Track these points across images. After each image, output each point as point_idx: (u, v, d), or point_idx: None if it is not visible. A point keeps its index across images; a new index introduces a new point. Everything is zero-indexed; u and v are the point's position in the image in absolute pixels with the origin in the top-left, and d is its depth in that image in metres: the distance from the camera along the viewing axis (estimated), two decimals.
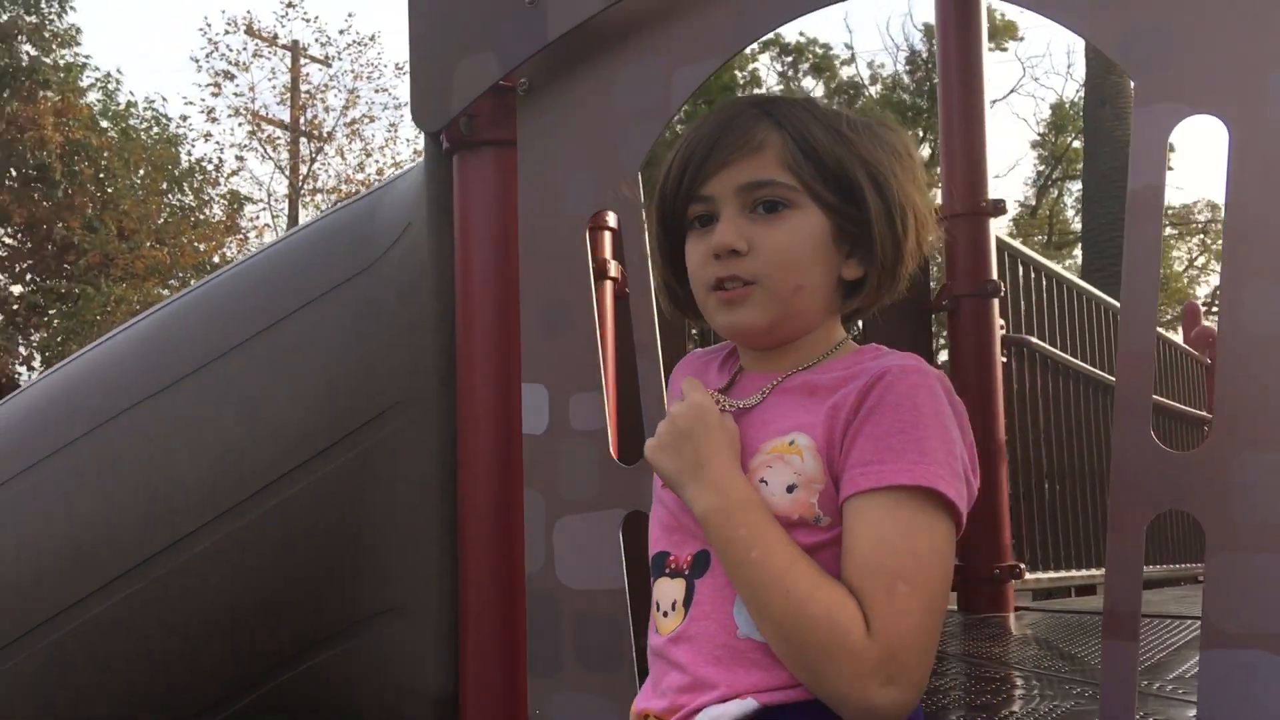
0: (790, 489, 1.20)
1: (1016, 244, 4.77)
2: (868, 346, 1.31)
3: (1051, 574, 4.81)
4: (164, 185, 24.41)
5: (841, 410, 1.20)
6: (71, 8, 22.24)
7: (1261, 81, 1.58)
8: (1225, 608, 1.56)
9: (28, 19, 22.46)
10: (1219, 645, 1.57)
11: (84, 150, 22.78)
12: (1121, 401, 1.65)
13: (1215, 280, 30.67)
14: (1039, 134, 28.16)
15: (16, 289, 23.74)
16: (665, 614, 1.28)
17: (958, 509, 1.17)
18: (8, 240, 24.50)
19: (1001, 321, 4.39)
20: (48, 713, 2.39)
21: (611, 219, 2.34)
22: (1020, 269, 4.70)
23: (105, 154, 23.33)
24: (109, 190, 23.38)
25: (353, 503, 2.43)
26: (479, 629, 2.24)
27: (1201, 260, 32.82)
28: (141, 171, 24.16)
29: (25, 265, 24.30)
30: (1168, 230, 31.73)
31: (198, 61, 25.09)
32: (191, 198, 24.46)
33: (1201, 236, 32.78)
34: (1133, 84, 1.66)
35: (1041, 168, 28.02)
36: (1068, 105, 26.66)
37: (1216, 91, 1.61)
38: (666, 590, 1.29)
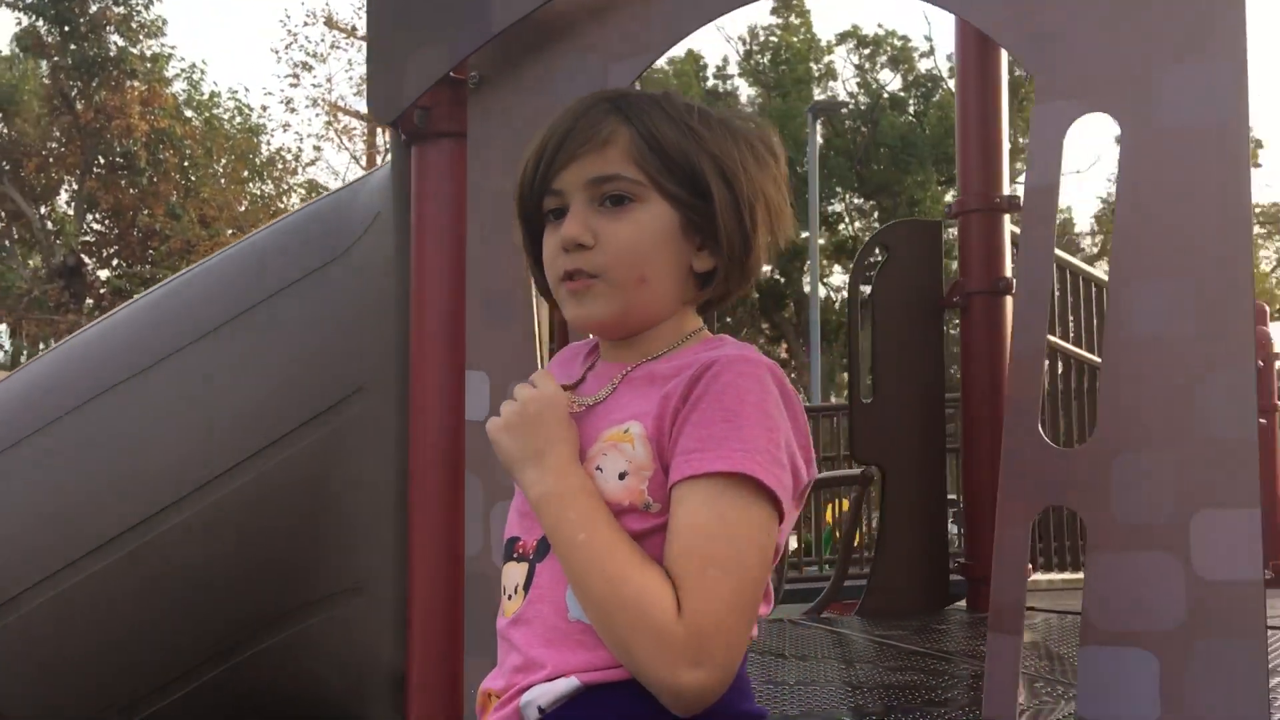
0: (622, 476, 1.23)
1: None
2: (714, 338, 1.34)
3: (1066, 575, 4.77)
4: (245, 174, 24.97)
5: (671, 399, 1.22)
6: None
7: (1151, 82, 1.58)
8: (1103, 605, 1.57)
9: (116, 9, 23.10)
10: (1096, 642, 1.58)
11: (168, 139, 23.38)
12: (1011, 400, 1.67)
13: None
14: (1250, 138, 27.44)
15: (103, 273, 24.47)
16: (509, 597, 1.33)
17: (778, 497, 1.19)
18: (95, 226, 25.27)
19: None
20: (23, 678, 2.51)
21: None
22: None
23: (189, 143, 23.92)
24: (192, 179, 23.97)
25: (317, 483, 2.52)
26: (425, 609, 2.31)
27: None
28: (224, 161, 24.74)
29: (111, 250, 25.05)
30: (1257, 229, 30.82)
31: (277, 53, 25.63)
32: (271, 187, 24.98)
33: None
34: (1034, 82, 1.67)
35: None
36: None
37: (1110, 90, 1.61)
38: (511, 574, 1.33)
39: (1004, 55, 4.34)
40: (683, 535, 1.16)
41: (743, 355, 1.22)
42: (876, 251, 4.64)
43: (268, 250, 2.76)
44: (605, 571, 1.17)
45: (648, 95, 1.34)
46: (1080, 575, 4.94)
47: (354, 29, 23.42)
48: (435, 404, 2.32)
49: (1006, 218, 4.28)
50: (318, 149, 25.45)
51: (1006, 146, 4.34)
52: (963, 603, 4.37)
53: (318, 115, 23.62)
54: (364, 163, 23.47)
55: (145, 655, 2.54)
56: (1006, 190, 4.30)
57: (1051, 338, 4.67)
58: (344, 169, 28.57)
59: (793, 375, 25.78)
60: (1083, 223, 28.16)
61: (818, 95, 23.25)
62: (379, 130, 23.57)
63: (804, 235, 20.71)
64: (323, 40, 23.38)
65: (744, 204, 1.29)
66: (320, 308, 2.57)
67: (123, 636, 2.52)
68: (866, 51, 25.33)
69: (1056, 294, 4.82)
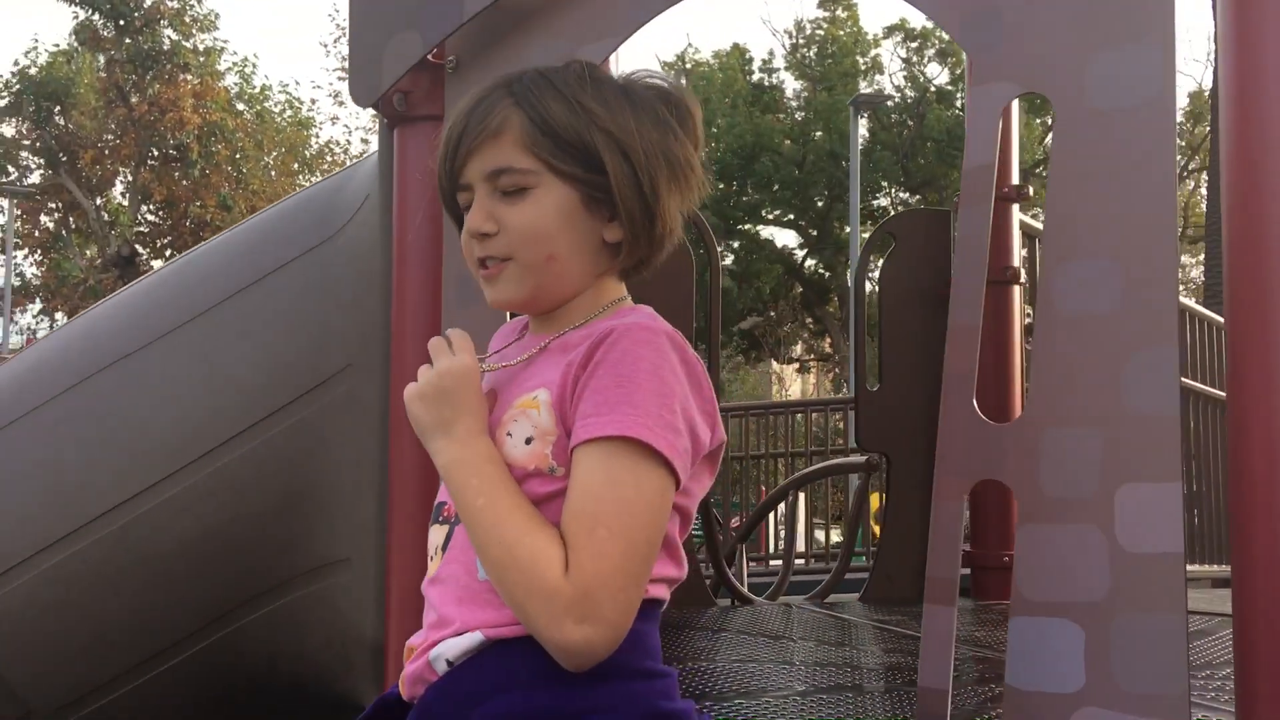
0: (528, 441, 1.29)
1: (1041, 227, 4.70)
2: (629, 307, 1.38)
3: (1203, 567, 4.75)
4: (295, 166, 25.29)
5: (573, 367, 1.27)
6: None
7: (1084, 64, 1.60)
8: (1031, 577, 1.60)
9: (170, 4, 23.50)
10: (1025, 613, 1.60)
11: (220, 132, 23.75)
12: (949, 374, 1.69)
13: None
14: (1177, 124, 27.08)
15: (157, 263, 24.90)
16: (432, 558, 1.39)
17: (670, 461, 1.22)
18: (149, 217, 25.73)
19: (1028, 310, 4.35)
20: (20, 649, 2.60)
21: None
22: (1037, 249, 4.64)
23: (240, 135, 24.28)
24: (243, 171, 24.33)
25: (306, 458, 2.59)
26: (401, 581, 2.37)
27: None
28: (274, 153, 25.08)
29: (165, 241, 25.49)
30: None
31: (326, 47, 25.87)
32: (320, 178, 25.29)
33: None
34: (970, 63, 1.69)
35: (1178, 158, 26.98)
36: (1207, 94, 25.63)
37: (1045, 71, 1.64)
38: (434, 536, 1.39)
39: None
40: (575, 497, 1.22)
41: (641, 323, 1.27)
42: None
43: (264, 232, 2.84)
44: (502, 534, 1.22)
45: (541, 73, 1.37)
46: None
47: None
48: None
49: (1015, 207, 4.28)
50: (365, 141, 25.64)
51: (1016, 136, 4.33)
52: (963, 592, 4.38)
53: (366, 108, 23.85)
54: None
55: (139, 626, 2.62)
56: (1015, 180, 4.30)
57: None
58: None
59: (836, 370, 25.69)
60: None
61: (864, 89, 23.12)
62: None
63: (848, 230, 20.64)
64: None
65: (642, 173, 1.32)
66: (310, 288, 2.64)
67: (117, 608, 2.60)
68: (914, 45, 25.14)
69: None
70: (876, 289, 4.43)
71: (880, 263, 4.78)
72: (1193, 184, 27.24)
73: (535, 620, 1.19)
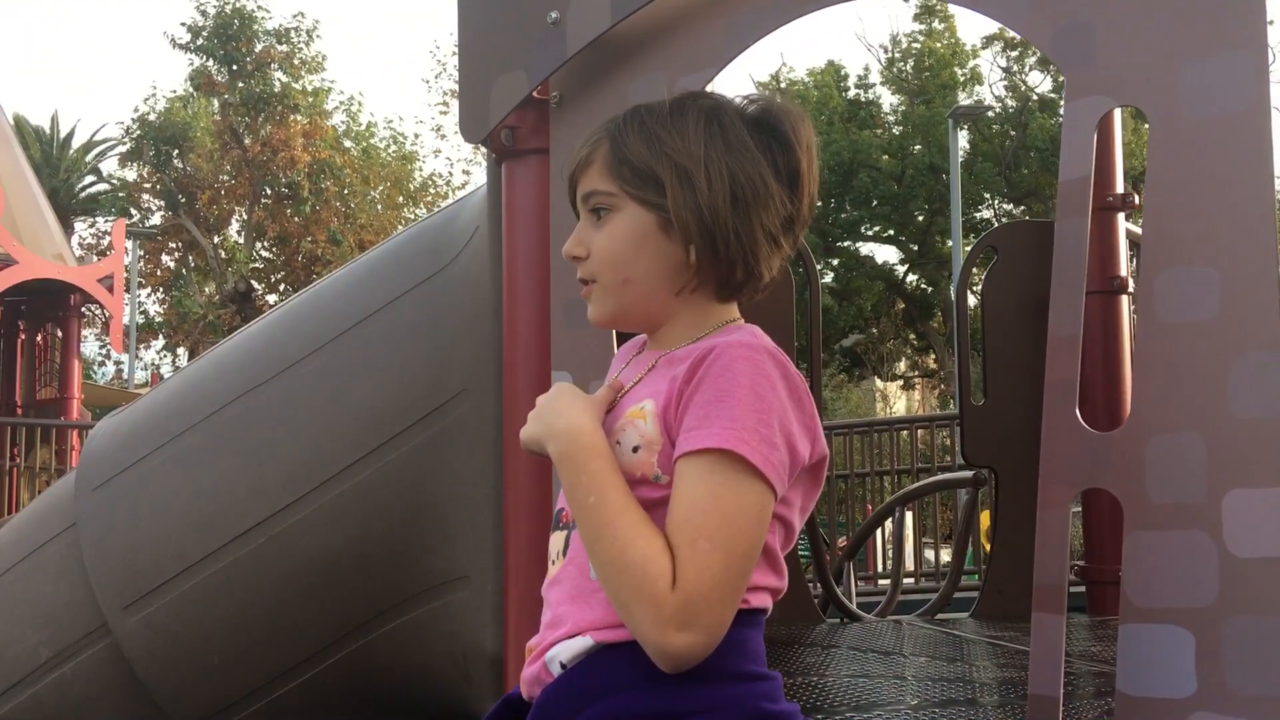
0: (635, 449, 1.36)
1: None
2: (733, 325, 1.44)
3: None
4: (400, 200, 25.88)
5: (678, 381, 1.35)
6: (318, 36, 23.95)
7: (1177, 74, 1.62)
8: (1140, 584, 1.62)
9: (279, 48, 24.29)
10: (1135, 620, 1.62)
11: (329, 169, 24.44)
12: (1051, 384, 1.72)
13: None
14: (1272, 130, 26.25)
15: (272, 298, 25.67)
16: (553, 562, 1.46)
17: (765, 475, 1.28)
18: (263, 253, 26.55)
19: (1135, 318, 4.29)
20: (166, 663, 2.75)
21: None
22: None
23: (348, 172, 24.95)
24: (351, 205, 24.99)
25: (426, 480, 2.70)
26: (519, 596, 2.46)
27: None
28: (380, 188, 25.70)
29: (278, 276, 26.27)
30: None
31: (428, 82, 26.47)
32: (424, 210, 25.84)
33: None
34: (1065, 79, 1.73)
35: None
36: None
37: (1139, 83, 1.66)
38: (554, 542, 1.47)
39: None
40: (679, 508, 1.28)
41: (743, 340, 1.34)
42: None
43: (381, 265, 2.97)
44: (613, 535, 1.29)
45: (637, 109, 1.47)
46: None
47: None
48: (526, 405, 2.44)
49: (1121, 216, 4.23)
50: (466, 173, 26.11)
51: (1120, 144, 4.29)
52: (1080, 607, 4.32)
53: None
54: None
55: (276, 640, 2.76)
56: (1120, 188, 4.25)
57: None
58: None
59: (942, 385, 25.33)
60: None
61: (963, 100, 22.86)
62: None
63: (949, 244, 20.38)
64: None
65: (700, 196, 1.38)
66: (427, 317, 2.76)
67: (253, 624, 2.74)
68: (1014, 54, 24.78)
69: None
70: (979, 303, 4.41)
71: (983, 276, 4.77)
72: None
73: (639, 624, 1.26)
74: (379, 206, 25.47)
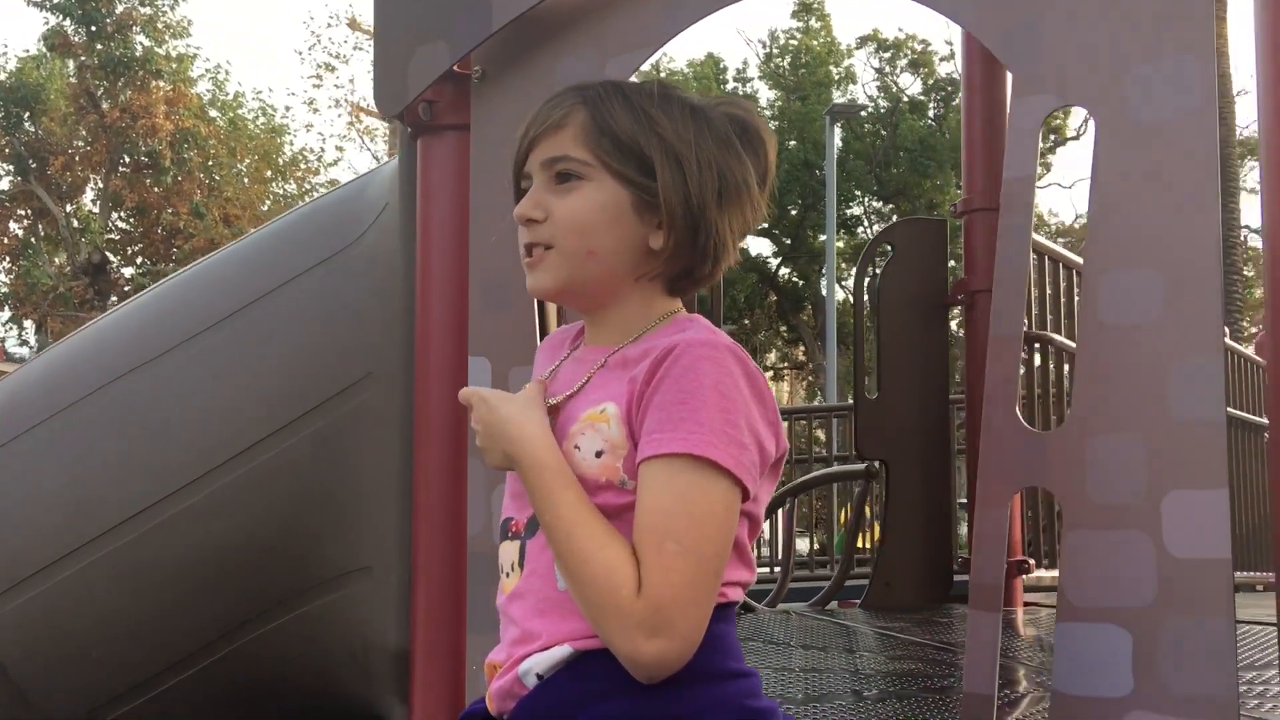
0: (599, 454, 1.30)
1: (1040, 238, 4.75)
2: (684, 318, 1.39)
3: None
4: (268, 174, 25.15)
5: (637, 382, 1.29)
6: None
7: (1125, 76, 1.63)
8: (1078, 583, 1.62)
9: (142, 10, 23.33)
10: (1073, 619, 1.62)
11: (193, 139, 23.60)
12: (991, 381, 1.72)
13: None
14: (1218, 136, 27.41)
15: (128, 271, 24.70)
16: (506, 574, 1.40)
17: (737, 475, 1.24)
18: (120, 224, 25.51)
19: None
20: (40, 657, 2.59)
21: None
22: (1045, 264, 4.68)
23: (213, 143, 24.13)
24: (215, 178, 24.18)
25: (326, 467, 2.58)
26: (428, 588, 2.37)
27: None
28: (247, 160, 24.93)
29: (136, 248, 25.29)
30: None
31: (300, 54, 25.79)
32: (294, 186, 25.18)
33: None
34: (1010, 76, 1.72)
35: None
36: None
37: (1085, 84, 1.66)
38: (506, 553, 1.40)
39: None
40: (645, 513, 1.23)
41: (703, 339, 1.28)
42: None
43: (280, 240, 2.84)
44: (573, 548, 1.24)
45: (614, 84, 1.41)
46: None
47: None
48: (439, 390, 2.38)
49: None
50: (340, 149, 25.52)
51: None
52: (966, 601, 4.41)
53: (340, 116, 23.75)
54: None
55: (158, 635, 2.61)
56: None
57: (1057, 335, 4.70)
58: (366, 169, 28.79)
59: (810, 378, 25.77)
60: None
61: (838, 98, 23.25)
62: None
63: (822, 238, 20.71)
64: (345, 42, 23.48)
65: (691, 183, 1.34)
66: (330, 296, 2.64)
67: (136, 617, 2.59)
68: (887, 55, 25.31)
69: (1058, 294, 4.85)
70: (874, 298, 4.46)
71: (855, 272, 4.81)
72: None
73: (609, 634, 1.21)
74: (245, 180, 24.69)
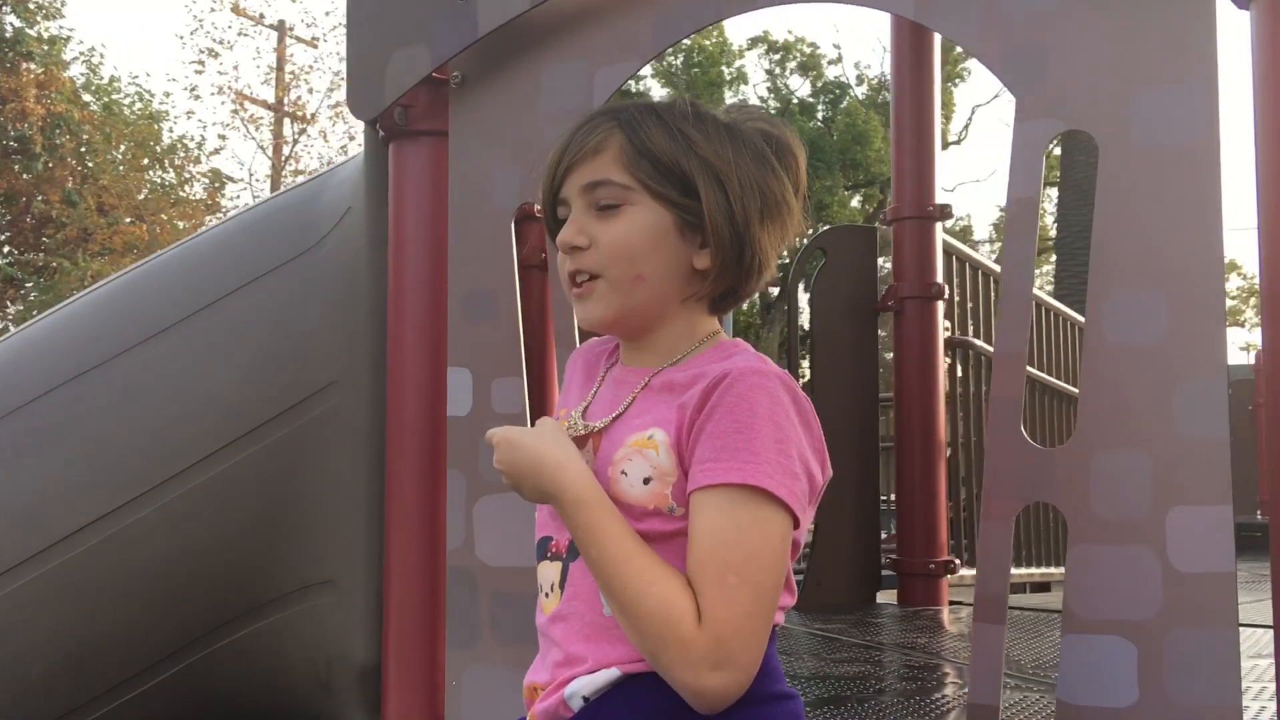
0: (647, 480, 1.29)
1: (964, 247, 4.88)
2: (729, 342, 1.39)
3: (1027, 570, 4.94)
4: (145, 161, 24.33)
5: (688, 409, 1.28)
6: None
7: (1127, 103, 1.68)
8: (1083, 595, 1.67)
9: None
10: (1077, 630, 1.67)
11: (65, 124, 22.68)
12: (996, 399, 1.75)
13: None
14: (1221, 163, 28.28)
15: None
16: (546, 594, 1.38)
17: (790, 506, 1.24)
18: None
19: (946, 323, 4.50)
20: None
21: None
22: (966, 272, 4.80)
23: (87, 128, 23.23)
24: (89, 165, 23.31)
25: (287, 478, 2.51)
26: (402, 602, 2.33)
27: None
28: (123, 147, 24.07)
29: (3, 238, 24.21)
30: None
31: (182, 38, 25.00)
32: (173, 175, 24.39)
33: None
34: (1015, 100, 1.76)
35: None
36: None
37: (1089, 109, 1.71)
38: (546, 573, 1.39)
39: (937, 69, 4.48)
40: (702, 543, 1.23)
41: (754, 367, 1.28)
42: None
43: (232, 244, 2.75)
44: (624, 583, 1.24)
45: (648, 104, 1.41)
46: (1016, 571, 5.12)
47: (261, 16, 22.99)
48: (413, 400, 2.34)
49: (939, 225, 4.42)
50: (223, 138, 24.71)
51: (939, 157, 4.47)
52: (893, 595, 4.51)
53: (223, 103, 23.06)
54: (270, 152, 23.04)
55: (112, 648, 2.51)
56: (939, 199, 4.44)
57: (977, 341, 4.83)
58: (250, 158, 28.01)
59: None
60: (981, 230, 28.95)
61: (729, 99, 23.47)
62: (286, 120, 23.17)
63: None
64: (230, 27, 22.83)
65: (735, 201, 1.35)
66: (290, 302, 2.57)
67: (87, 631, 2.49)
68: (777, 57, 25.64)
69: (980, 301, 4.98)
70: (810, 304, 4.52)
71: (789, 278, 4.87)
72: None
73: (670, 668, 1.21)
74: (121, 168, 23.83)
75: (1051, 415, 5.59)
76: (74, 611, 2.50)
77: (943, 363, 4.43)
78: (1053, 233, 25.86)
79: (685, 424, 1.28)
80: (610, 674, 1.27)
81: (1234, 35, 1.66)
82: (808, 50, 25.75)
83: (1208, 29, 1.65)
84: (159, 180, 24.40)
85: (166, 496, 2.51)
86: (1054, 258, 18.72)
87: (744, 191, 1.36)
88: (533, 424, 1.46)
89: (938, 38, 4.52)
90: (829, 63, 26.11)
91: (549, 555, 1.39)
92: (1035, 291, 5.70)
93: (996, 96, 27.11)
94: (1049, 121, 1.74)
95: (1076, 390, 5.43)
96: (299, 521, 2.52)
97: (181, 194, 24.05)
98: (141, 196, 23.48)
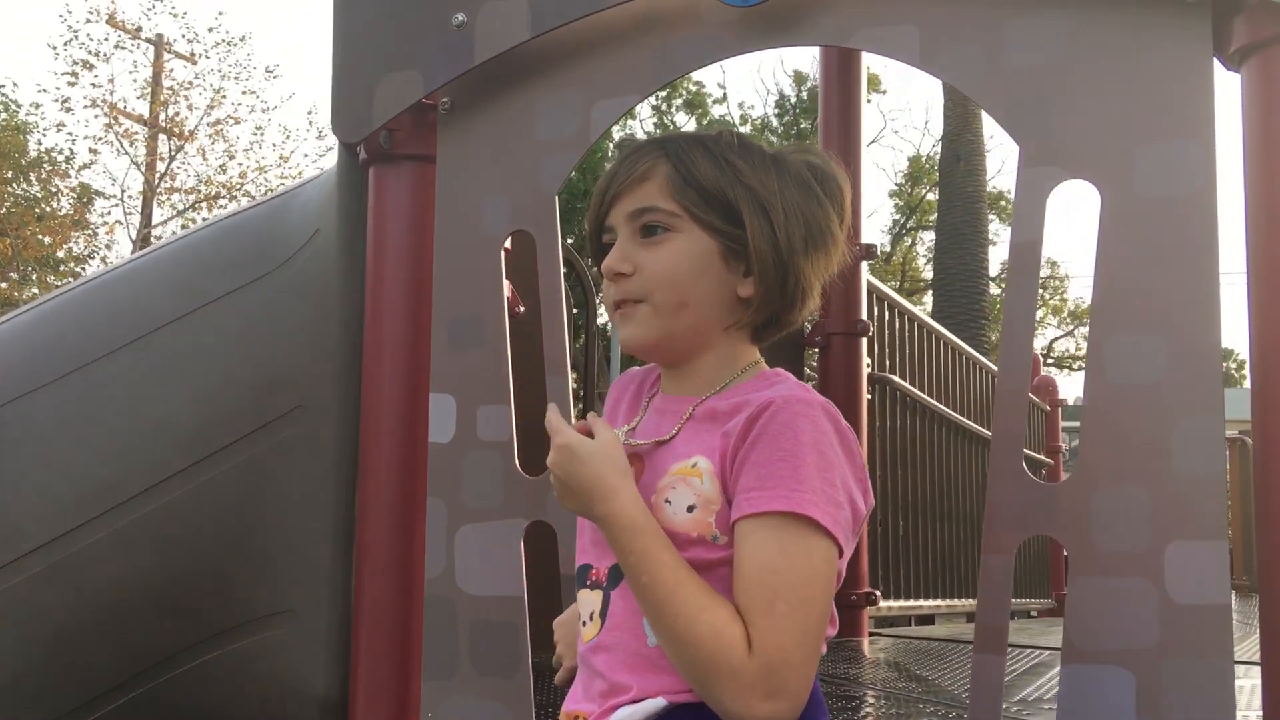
0: (690, 509, 1.30)
1: (884, 287, 5.01)
2: (770, 372, 1.42)
3: (902, 602, 5.04)
4: (8, 174, 23.36)
5: (732, 437, 1.30)
6: None
7: (1129, 155, 1.76)
8: (1084, 627, 1.73)
9: None
10: (1078, 660, 1.73)
11: None
12: (998, 435, 1.81)
13: (1051, 333, 32.32)
14: (896, 184, 29.19)
15: None
16: (584, 623, 1.37)
17: (835, 535, 1.26)
18: None
19: (867, 360, 4.61)
20: None
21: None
22: (886, 311, 4.93)
23: None
24: None
25: (248, 504, 2.45)
26: (373, 632, 2.28)
27: (1040, 314, 34.53)
28: None
29: None
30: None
31: (55, 49, 24.12)
32: (38, 188, 23.46)
33: (1041, 292, 34.47)
34: (1018, 148, 1.83)
35: (897, 216, 29.02)
36: (924, 159, 27.69)
37: (1091, 160, 1.79)
38: (586, 601, 1.38)
39: (864, 114, 4.61)
40: (749, 572, 1.24)
41: (798, 395, 1.31)
42: None
43: (188, 262, 2.67)
44: (675, 611, 1.24)
45: (694, 135, 1.45)
46: (920, 603, 5.24)
47: (139, 29, 22.32)
48: (390, 427, 2.30)
49: (864, 265, 4.53)
50: (94, 152, 23.76)
51: (865, 202, 4.59)
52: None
53: (97, 117, 22.27)
54: (144, 169, 22.33)
55: (51, 683, 2.41)
56: (864, 239, 4.56)
57: (895, 377, 4.95)
58: (123, 174, 27.11)
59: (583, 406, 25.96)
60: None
61: (618, 133, 23.65)
62: (161, 136, 22.46)
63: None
64: (106, 39, 22.07)
65: (779, 230, 1.37)
66: (254, 323, 2.51)
67: (37, 659, 2.38)
68: (663, 94, 25.94)
69: (897, 340, 5.11)
70: None
71: None
72: (910, 240, 29.32)
73: (719, 697, 1.21)
74: None
75: (955, 451, 5.75)
76: (17, 640, 2.39)
77: (864, 396, 4.53)
78: (927, 273, 26.69)
79: (729, 452, 1.29)
80: (656, 703, 1.27)
81: (1222, 94, 1.76)
82: (693, 89, 26.14)
83: (1206, 85, 1.74)
84: (22, 191, 23.44)
85: (117, 523, 2.42)
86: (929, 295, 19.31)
87: (788, 220, 1.38)
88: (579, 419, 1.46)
89: (864, 76, 4.64)
90: (714, 102, 26.55)
91: (589, 583, 1.39)
92: (944, 331, 5.89)
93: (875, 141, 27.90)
94: (1051, 169, 1.81)
95: (976, 425, 5.56)
96: (259, 549, 2.45)
97: (47, 209, 23.14)
98: (2, 210, 22.52)
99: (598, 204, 1.43)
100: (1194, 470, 1.69)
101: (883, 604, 4.63)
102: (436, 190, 2.24)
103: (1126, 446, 1.72)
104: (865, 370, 4.52)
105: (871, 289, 4.71)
